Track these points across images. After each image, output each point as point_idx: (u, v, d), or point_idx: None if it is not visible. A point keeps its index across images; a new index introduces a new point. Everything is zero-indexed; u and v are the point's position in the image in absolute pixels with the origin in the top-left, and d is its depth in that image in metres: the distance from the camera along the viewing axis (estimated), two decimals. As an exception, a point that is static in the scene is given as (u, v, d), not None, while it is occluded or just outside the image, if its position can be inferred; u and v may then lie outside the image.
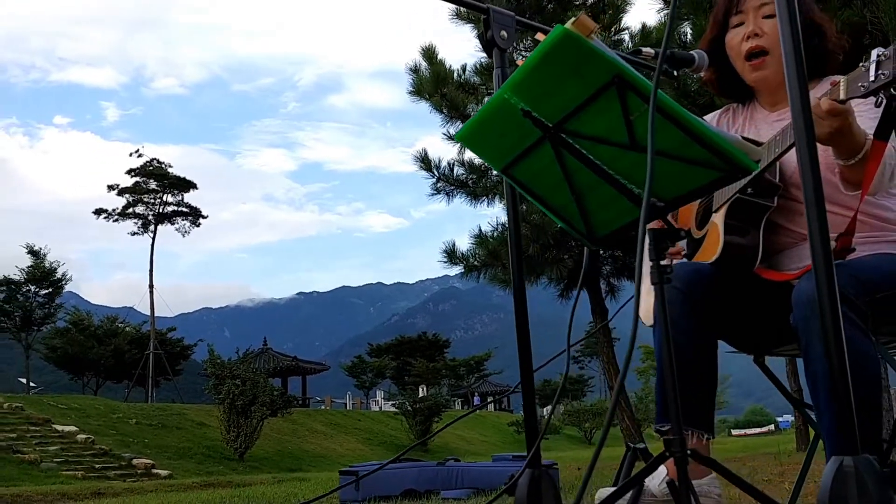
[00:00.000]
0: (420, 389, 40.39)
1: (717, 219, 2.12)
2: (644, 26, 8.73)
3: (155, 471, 18.99)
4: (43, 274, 41.11)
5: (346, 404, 48.45)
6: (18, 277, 40.97)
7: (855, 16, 5.71)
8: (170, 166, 47.41)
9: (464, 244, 9.93)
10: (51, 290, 41.65)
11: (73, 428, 21.58)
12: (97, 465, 18.58)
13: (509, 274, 9.58)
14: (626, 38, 9.34)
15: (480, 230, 9.79)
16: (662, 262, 1.56)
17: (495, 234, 9.50)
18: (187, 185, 47.59)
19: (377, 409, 46.19)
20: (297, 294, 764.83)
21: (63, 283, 42.46)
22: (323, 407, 45.91)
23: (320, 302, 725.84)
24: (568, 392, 60.81)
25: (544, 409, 60.36)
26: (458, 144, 9.21)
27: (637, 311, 1.31)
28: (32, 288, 41.17)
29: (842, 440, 1.12)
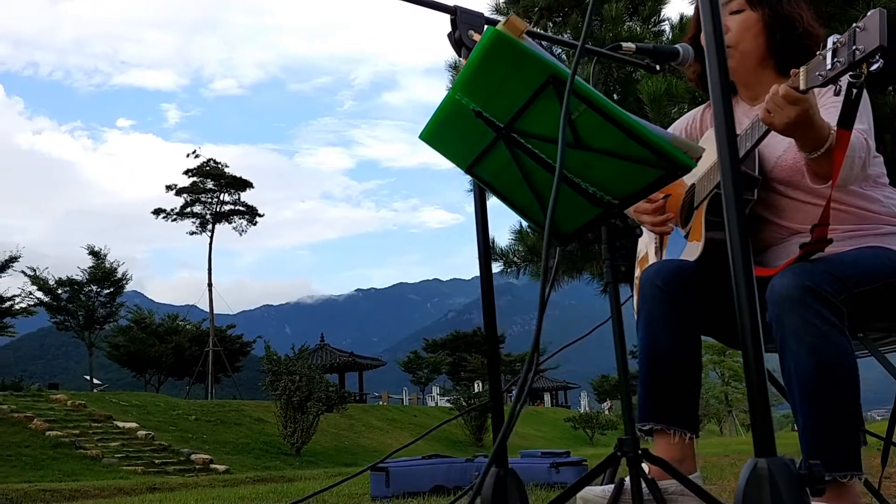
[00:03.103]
0: (475, 385, 40.37)
1: (700, 215, 2.09)
2: (682, 17, 8.57)
3: (213, 466, 19.25)
4: (104, 274, 42.15)
5: (402, 400, 48.73)
6: (81, 278, 42.14)
7: (892, 1, 5.52)
8: (226, 166, 47.88)
9: (504, 240, 9.81)
10: (112, 289, 42.72)
11: (133, 424, 22.10)
12: (157, 461, 18.97)
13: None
14: (667, 29, 9.19)
15: (521, 225, 9.70)
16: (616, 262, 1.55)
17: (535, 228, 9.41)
18: (243, 185, 47.96)
19: (433, 405, 46.36)
20: (356, 290, 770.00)
21: (124, 282, 43.41)
22: (380, 402, 46.27)
23: (378, 298, 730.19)
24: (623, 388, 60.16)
25: (603, 405, 59.86)
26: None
27: (541, 312, 1.31)
28: (94, 288, 42.25)
29: (760, 442, 1.10)
